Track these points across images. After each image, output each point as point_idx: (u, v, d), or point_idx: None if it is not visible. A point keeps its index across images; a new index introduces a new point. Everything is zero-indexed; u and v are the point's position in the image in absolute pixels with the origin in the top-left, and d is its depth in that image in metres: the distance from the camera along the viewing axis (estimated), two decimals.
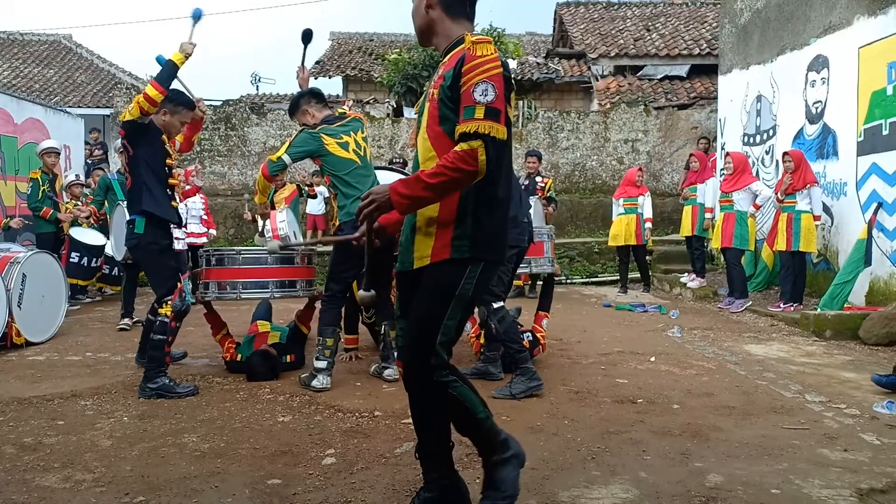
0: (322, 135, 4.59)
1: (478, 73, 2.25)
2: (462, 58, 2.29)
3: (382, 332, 4.91)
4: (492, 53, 2.28)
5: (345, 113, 4.86)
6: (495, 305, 4.50)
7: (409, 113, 14.42)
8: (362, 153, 4.68)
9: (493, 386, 4.49)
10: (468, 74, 2.26)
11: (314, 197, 9.06)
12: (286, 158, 4.55)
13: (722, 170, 8.06)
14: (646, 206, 9.39)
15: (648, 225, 9.42)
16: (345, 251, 4.58)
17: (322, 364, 4.52)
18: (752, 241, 7.94)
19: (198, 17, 4.70)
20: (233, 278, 4.81)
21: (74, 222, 8.57)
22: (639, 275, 9.88)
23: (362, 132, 4.77)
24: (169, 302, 4.45)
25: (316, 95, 4.86)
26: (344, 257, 4.60)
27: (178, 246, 8.01)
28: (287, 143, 4.64)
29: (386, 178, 5.41)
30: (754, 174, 9.16)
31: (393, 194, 2.26)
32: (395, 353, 4.63)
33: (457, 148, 2.23)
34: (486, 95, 2.23)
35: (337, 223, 4.70)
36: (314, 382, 4.49)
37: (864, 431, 3.65)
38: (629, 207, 9.30)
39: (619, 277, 9.96)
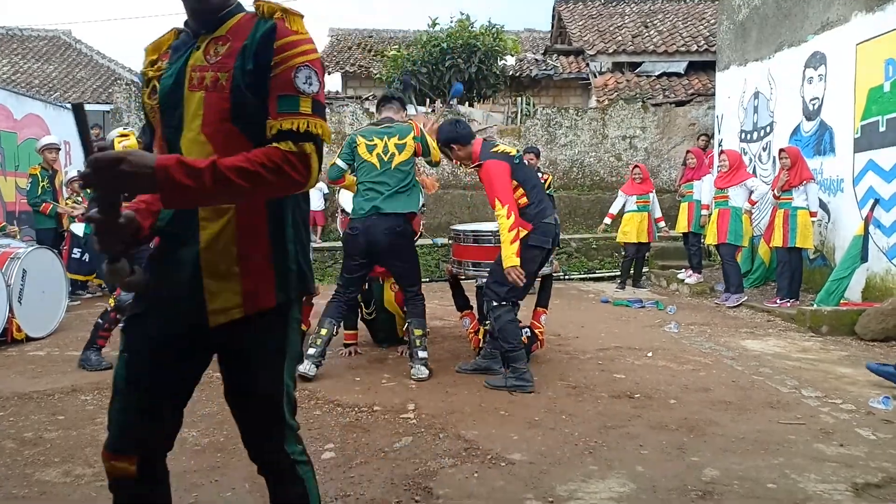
0: (358, 136, 4.81)
1: (298, 55, 1.69)
2: (270, 30, 1.71)
3: (405, 330, 4.88)
4: (307, 32, 1.74)
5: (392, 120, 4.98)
6: (494, 304, 4.47)
7: (407, 108, 14.41)
8: (387, 158, 4.70)
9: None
10: (283, 53, 1.69)
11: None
12: (339, 162, 4.86)
13: (720, 166, 8.07)
14: (655, 203, 9.45)
15: (662, 224, 9.53)
16: (349, 248, 4.74)
17: (310, 350, 4.62)
18: (746, 238, 7.96)
19: None
20: None
21: (72, 218, 8.59)
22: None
23: (400, 137, 4.75)
24: (114, 295, 5.05)
25: (381, 100, 5.14)
26: (348, 254, 4.79)
27: None
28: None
29: None
30: (751, 171, 9.21)
31: (161, 173, 1.52)
32: (420, 353, 4.68)
33: (279, 146, 1.64)
34: (310, 84, 1.70)
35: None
36: (300, 367, 4.57)
37: (859, 426, 3.68)
38: (642, 205, 9.34)
39: (619, 273, 9.99)
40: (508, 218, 4.23)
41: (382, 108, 5.05)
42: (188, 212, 1.73)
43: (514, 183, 4.39)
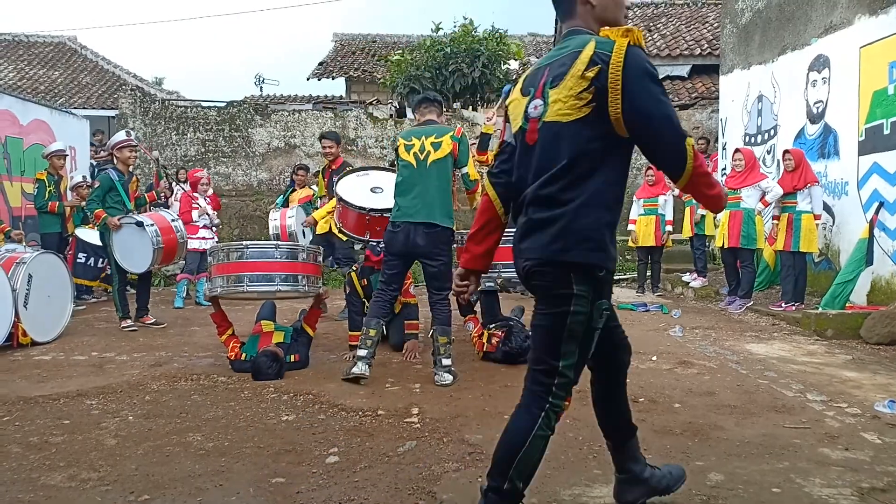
0: (399, 138, 4.86)
1: None
2: None
3: (430, 336, 4.82)
4: None
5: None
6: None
7: (411, 114, 14.44)
8: (422, 157, 4.72)
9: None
10: None
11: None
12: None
13: (734, 165, 7.98)
14: (667, 207, 9.22)
15: (669, 228, 9.23)
16: (388, 245, 4.78)
17: (361, 352, 4.66)
18: (760, 239, 7.85)
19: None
20: (239, 272, 4.88)
21: (78, 222, 8.64)
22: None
23: (437, 136, 4.77)
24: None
25: (420, 101, 5.09)
26: (387, 251, 4.81)
27: (203, 246, 7.98)
28: None
29: (383, 179, 5.47)
30: None
31: None
32: (444, 360, 4.64)
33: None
34: None
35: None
36: (353, 369, 4.62)
37: (865, 430, 3.66)
38: (649, 208, 9.19)
39: (636, 277, 9.89)
40: None
41: (423, 110, 5.01)
42: None
43: None
